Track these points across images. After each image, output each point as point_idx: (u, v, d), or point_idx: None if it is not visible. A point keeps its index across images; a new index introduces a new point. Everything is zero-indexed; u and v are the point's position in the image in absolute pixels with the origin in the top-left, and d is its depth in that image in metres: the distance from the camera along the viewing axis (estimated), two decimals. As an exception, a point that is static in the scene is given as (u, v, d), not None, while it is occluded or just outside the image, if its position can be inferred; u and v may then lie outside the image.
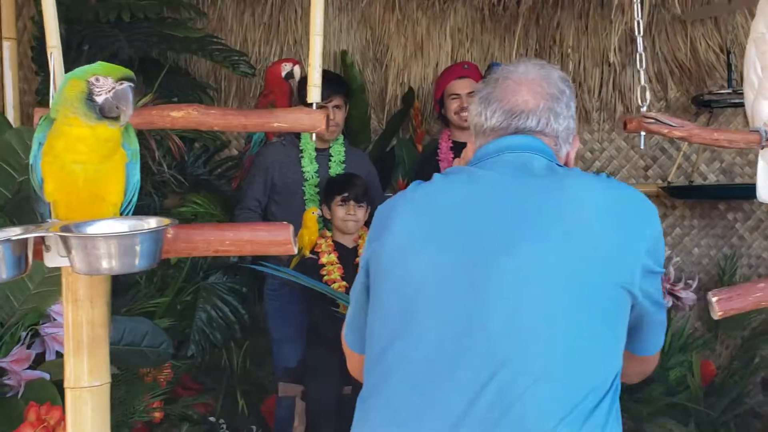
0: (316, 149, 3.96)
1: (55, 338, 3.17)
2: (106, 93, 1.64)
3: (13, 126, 3.15)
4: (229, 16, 4.64)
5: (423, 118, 4.60)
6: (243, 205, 3.98)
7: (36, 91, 4.08)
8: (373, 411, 1.53)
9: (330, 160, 3.98)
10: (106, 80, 1.64)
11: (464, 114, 4.03)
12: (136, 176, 1.76)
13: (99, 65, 1.68)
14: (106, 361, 1.72)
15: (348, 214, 3.72)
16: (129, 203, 1.76)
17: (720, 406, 4.04)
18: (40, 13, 2.38)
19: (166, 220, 1.57)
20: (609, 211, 1.49)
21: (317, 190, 3.94)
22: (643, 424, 3.85)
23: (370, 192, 3.84)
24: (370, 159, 4.25)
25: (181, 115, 2.21)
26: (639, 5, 2.29)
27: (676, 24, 4.50)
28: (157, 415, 3.76)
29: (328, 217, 3.78)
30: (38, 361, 3.14)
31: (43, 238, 1.61)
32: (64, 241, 1.48)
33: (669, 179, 4.50)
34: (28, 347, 3.03)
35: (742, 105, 4.18)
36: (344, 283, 3.71)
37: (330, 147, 3.99)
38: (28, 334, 3.08)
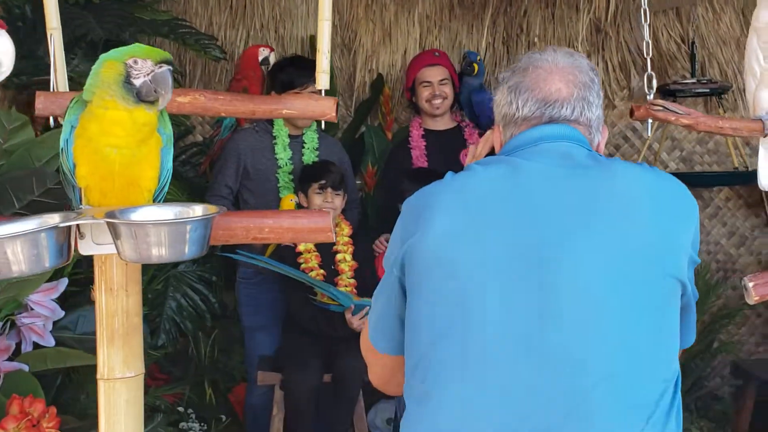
0: (289, 136, 3.92)
1: (33, 329, 3.08)
2: (144, 76, 1.59)
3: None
4: (195, -1, 4.56)
5: (392, 105, 4.58)
6: (214, 191, 3.91)
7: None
8: (437, 408, 1.46)
9: (303, 147, 3.94)
10: (144, 63, 1.59)
11: (435, 102, 4.05)
12: (170, 162, 1.71)
13: (137, 47, 1.63)
14: (141, 351, 1.68)
15: (325, 202, 3.69)
16: (162, 190, 1.72)
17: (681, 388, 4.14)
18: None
19: (213, 208, 1.54)
20: (659, 201, 1.50)
21: (291, 177, 3.90)
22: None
23: (345, 179, 3.83)
24: (340, 146, 4.22)
25: (188, 101, 2.17)
26: (643, -5, 2.31)
27: (639, 14, 4.57)
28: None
29: (304, 204, 3.75)
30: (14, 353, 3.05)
31: (77, 225, 1.56)
32: (112, 228, 1.43)
33: (632, 167, 4.58)
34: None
35: (705, 94, 4.32)
36: (322, 271, 3.69)
37: (303, 134, 3.95)
38: (3, 324, 2.99)
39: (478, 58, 4.21)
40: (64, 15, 3.56)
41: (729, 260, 4.77)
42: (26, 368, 3.01)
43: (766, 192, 3.86)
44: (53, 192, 3.01)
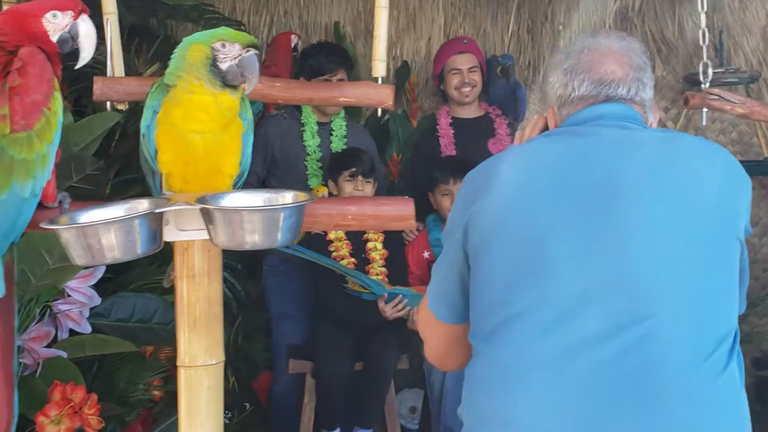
0: (318, 123, 3.90)
1: (69, 315, 3.07)
2: (231, 60, 1.57)
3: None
4: (219, -16, 4.51)
5: (417, 93, 4.56)
6: (241, 179, 3.88)
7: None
8: (510, 340, 1.51)
9: (332, 135, 3.92)
10: (232, 47, 1.57)
11: (465, 89, 4.03)
12: (250, 147, 1.69)
13: (223, 30, 1.61)
14: (221, 339, 1.66)
15: (356, 190, 3.67)
16: (242, 176, 1.70)
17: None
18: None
19: (303, 195, 1.52)
20: (723, 169, 1.56)
21: (320, 164, 3.88)
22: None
23: (375, 167, 3.81)
24: (365, 134, 4.20)
25: (246, 87, 2.14)
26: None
27: (665, 2, 4.57)
28: (157, 393, 3.68)
29: (334, 192, 3.73)
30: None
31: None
32: (205, 214, 1.41)
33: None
34: (40, 325, 2.93)
35: (734, 83, 4.30)
36: (353, 259, 3.68)
37: (331, 121, 3.93)
38: (41, 311, 2.96)
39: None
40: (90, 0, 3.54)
41: (752, 250, 4.76)
42: (64, 355, 2.99)
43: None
44: (91, 178, 2.98)
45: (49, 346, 2.98)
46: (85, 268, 2.99)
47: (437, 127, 4.12)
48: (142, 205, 1.47)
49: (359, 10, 4.65)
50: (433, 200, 3.77)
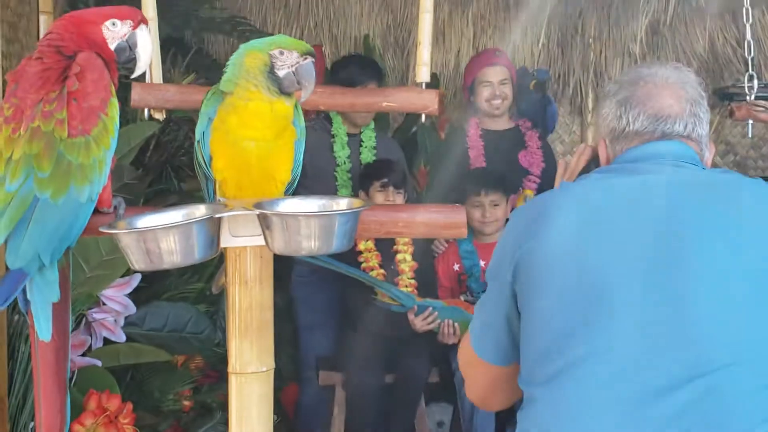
0: (348, 134, 3.90)
1: (104, 324, 3.07)
2: (288, 67, 1.57)
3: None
4: (250, -3, 4.55)
5: (445, 104, 4.56)
6: (271, 189, 3.89)
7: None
8: (570, 388, 1.47)
9: (361, 146, 3.92)
10: (290, 54, 1.58)
11: (495, 102, 4.01)
12: (302, 155, 1.70)
13: (281, 38, 1.62)
14: (272, 346, 1.66)
15: (387, 200, 3.66)
16: (293, 182, 1.70)
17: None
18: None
19: (358, 201, 1.52)
20: None
21: (350, 175, 3.87)
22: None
23: (407, 178, 3.81)
24: (394, 145, 4.20)
25: (288, 95, 2.14)
26: (749, -5, 2.29)
27: (695, 17, 4.56)
28: (186, 404, 3.68)
29: (365, 203, 3.72)
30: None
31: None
32: (262, 219, 1.41)
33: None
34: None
35: (765, 98, 4.28)
36: (382, 270, 3.67)
37: (361, 132, 3.93)
38: (77, 319, 2.97)
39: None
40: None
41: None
42: (99, 364, 3.00)
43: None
44: (129, 187, 3.00)
45: (83, 354, 2.99)
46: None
47: (467, 138, 4.11)
48: (200, 210, 1.47)
49: (389, 23, 4.67)
50: (463, 212, 3.75)
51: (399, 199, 3.69)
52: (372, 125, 3.95)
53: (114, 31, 1.68)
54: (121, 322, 3.06)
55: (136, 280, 3.03)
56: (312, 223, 1.40)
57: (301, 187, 3.81)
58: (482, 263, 3.75)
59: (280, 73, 1.57)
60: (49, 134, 1.56)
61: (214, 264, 3.94)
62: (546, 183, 3.98)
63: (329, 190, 3.86)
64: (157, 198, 3.76)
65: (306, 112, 3.71)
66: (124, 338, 3.07)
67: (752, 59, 2.22)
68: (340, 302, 3.82)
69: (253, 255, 1.57)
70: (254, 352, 1.61)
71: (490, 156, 4.05)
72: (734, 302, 1.43)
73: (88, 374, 2.91)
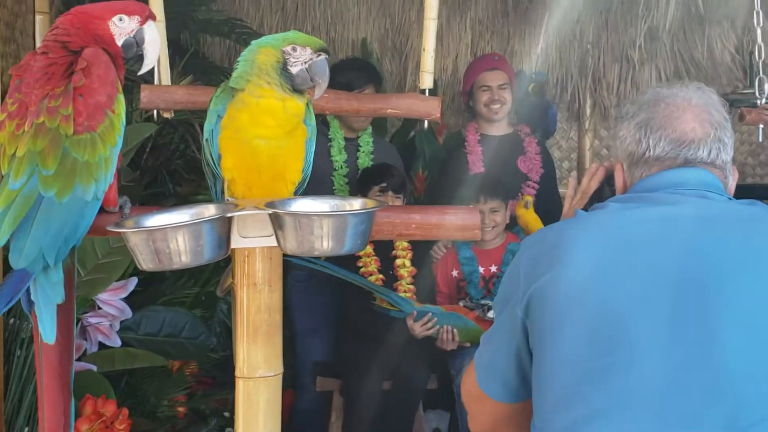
0: (345, 138, 3.87)
1: (99, 328, 3.03)
2: (302, 64, 1.54)
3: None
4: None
5: (443, 109, 4.53)
6: (267, 193, 3.85)
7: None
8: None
9: (359, 150, 3.89)
10: (304, 50, 1.54)
11: (494, 106, 3.98)
12: (312, 154, 1.66)
13: (294, 34, 1.58)
14: (281, 350, 1.62)
15: (386, 205, 3.63)
16: (304, 182, 1.66)
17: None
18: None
19: (371, 202, 1.48)
20: None
21: (346, 180, 3.84)
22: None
23: (406, 183, 3.78)
24: (391, 150, 4.16)
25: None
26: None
27: (694, 24, 4.55)
28: (181, 410, 3.64)
29: (363, 207, 3.69)
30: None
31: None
32: (275, 219, 1.37)
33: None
34: (69, 337, 2.88)
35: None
36: (381, 276, 3.64)
37: (358, 137, 3.90)
38: (71, 323, 2.92)
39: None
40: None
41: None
42: (95, 369, 2.95)
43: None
44: (126, 189, 2.95)
45: (79, 359, 2.94)
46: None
47: (465, 143, 4.08)
48: (209, 210, 1.43)
49: (386, 27, 4.64)
50: (463, 218, 3.73)
51: (398, 204, 3.66)
52: (369, 130, 3.93)
53: (121, 27, 1.64)
54: (117, 326, 3.02)
55: (132, 284, 2.99)
56: (326, 223, 1.36)
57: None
58: (481, 269, 3.73)
59: (293, 70, 1.54)
60: (54, 131, 1.52)
61: (210, 269, 3.93)
62: (545, 189, 3.96)
63: (326, 194, 3.83)
64: (152, 201, 3.72)
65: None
66: (119, 343, 3.02)
67: (762, 62, 2.19)
68: (337, 307, 3.79)
69: (262, 256, 1.54)
70: (262, 356, 1.57)
71: (488, 161, 4.03)
72: (763, 345, 1.35)
73: (84, 379, 2.86)
